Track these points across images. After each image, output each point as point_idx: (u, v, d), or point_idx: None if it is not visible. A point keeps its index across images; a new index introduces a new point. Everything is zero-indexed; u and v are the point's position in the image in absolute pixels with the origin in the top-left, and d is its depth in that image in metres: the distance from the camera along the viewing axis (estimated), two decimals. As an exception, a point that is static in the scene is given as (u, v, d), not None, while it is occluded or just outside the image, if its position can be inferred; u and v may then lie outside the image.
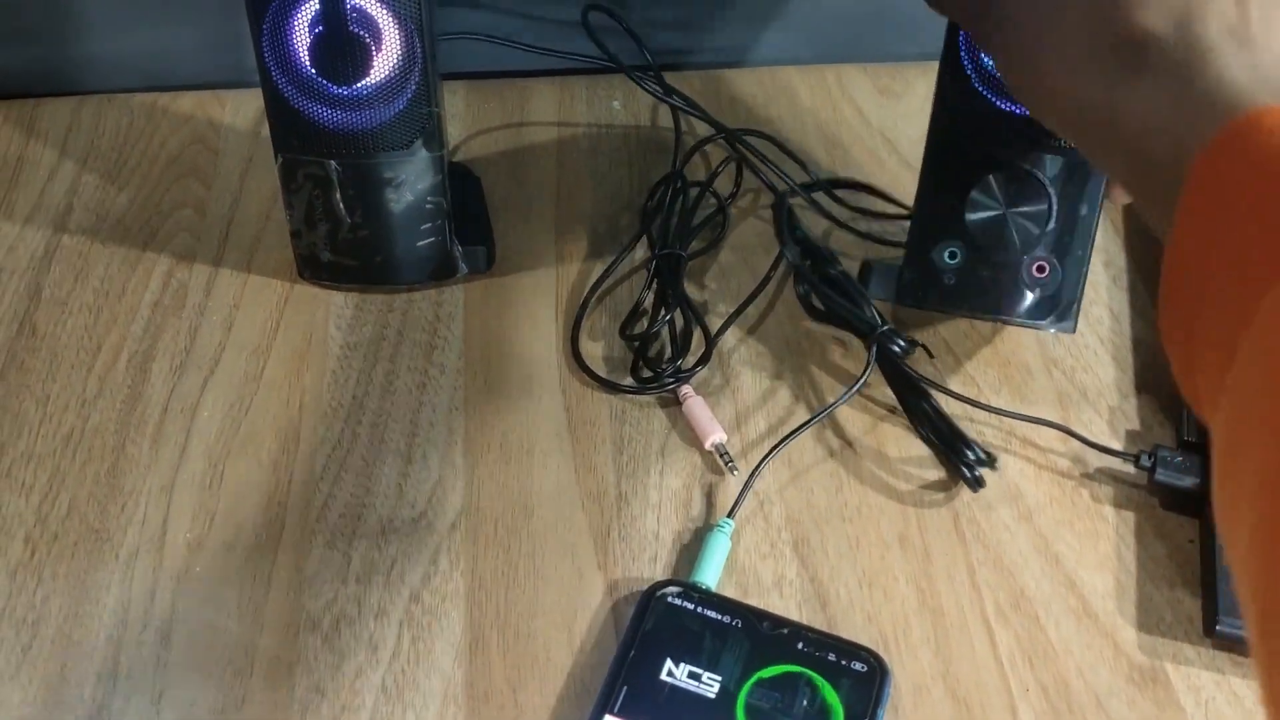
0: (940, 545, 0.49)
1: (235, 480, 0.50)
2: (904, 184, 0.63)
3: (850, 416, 0.53)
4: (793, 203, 0.60)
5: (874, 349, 0.51)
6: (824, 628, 0.46)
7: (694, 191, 0.61)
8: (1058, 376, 0.55)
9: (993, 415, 0.52)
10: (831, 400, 0.52)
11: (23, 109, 0.66)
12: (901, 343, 0.51)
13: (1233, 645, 0.45)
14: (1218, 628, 0.45)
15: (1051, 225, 0.50)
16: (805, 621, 0.46)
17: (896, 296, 0.54)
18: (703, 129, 0.65)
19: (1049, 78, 0.38)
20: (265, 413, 0.52)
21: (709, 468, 0.51)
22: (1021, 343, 0.56)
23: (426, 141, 0.52)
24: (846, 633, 0.46)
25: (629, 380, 0.53)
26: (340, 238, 0.55)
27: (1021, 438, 0.52)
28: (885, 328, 0.52)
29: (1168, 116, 0.34)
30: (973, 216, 0.51)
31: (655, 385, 0.53)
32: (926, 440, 0.51)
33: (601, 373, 0.53)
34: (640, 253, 0.59)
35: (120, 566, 0.47)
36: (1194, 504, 0.49)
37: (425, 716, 0.43)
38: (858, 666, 0.43)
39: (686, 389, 0.52)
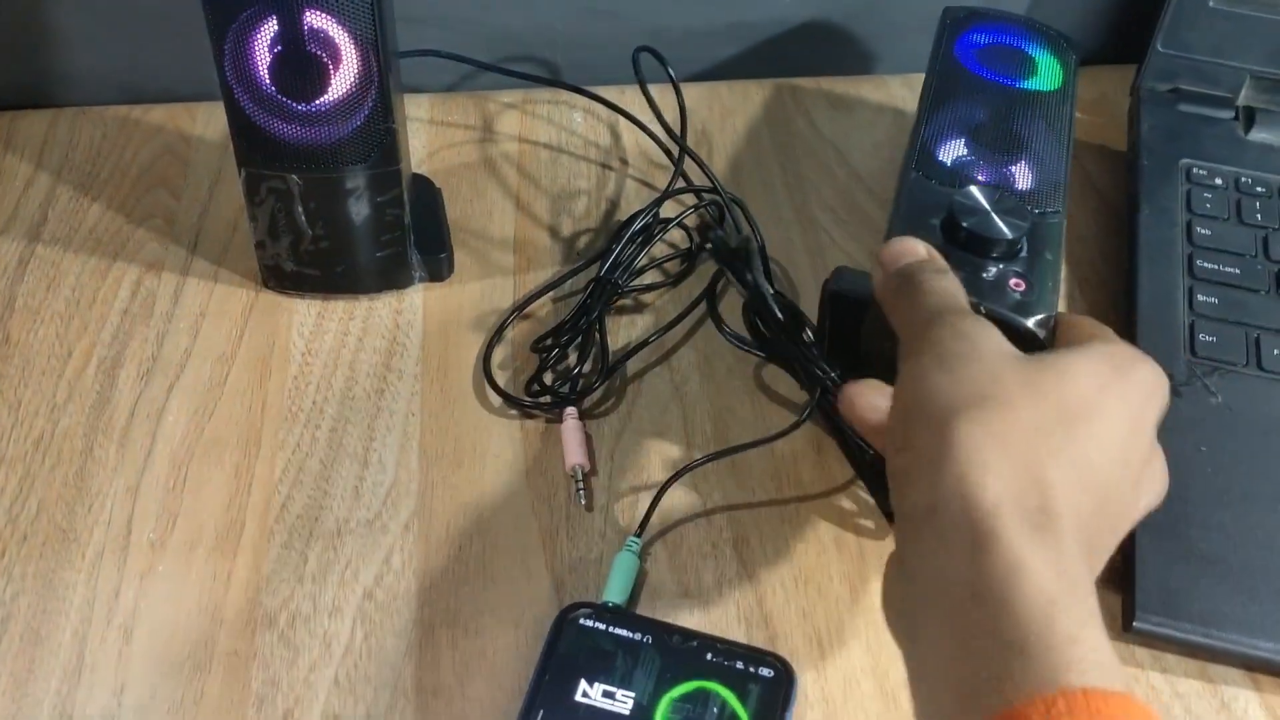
0: (874, 547, 0.51)
1: (198, 483, 0.52)
2: (853, 195, 0.65)
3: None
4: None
5: (817, 392, 0.52)
6: (761, 624, 0.48)
7: (659, 228, 0.61)
8: (995, 382, 0.57)
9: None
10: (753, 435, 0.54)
11: (-1, 122, 0.68)
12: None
13: (1150, 640, 0.47)
14: (1135, 624, 0.47)
15: (1024, 252, 0.50)
16: (742, 617, 0.48)
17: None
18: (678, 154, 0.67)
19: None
20: (228, 418, 0.54)
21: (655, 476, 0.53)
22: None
23: (385, 156, 0.54)
24: (782, 628, 0.48)
25: (524, 395, 0.54)
26: (303, 249, 0.57)
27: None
28: (834, 375, 0.52)
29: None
30: (960, 203, 0.49)
31: (546, 404, 0.54)
32: (865, 483, 0.52)
33: (508, 384, 0.55)
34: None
35: (86, 566, 0.49)
36: (1119, 505, 0.51)
37: (376, 709, 0.45)
38: (765, 672, 0.44)
39: (570, 410, 0.54)
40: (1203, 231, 0.60)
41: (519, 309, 0.58)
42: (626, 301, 0.60)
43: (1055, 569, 0.33)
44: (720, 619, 0.48)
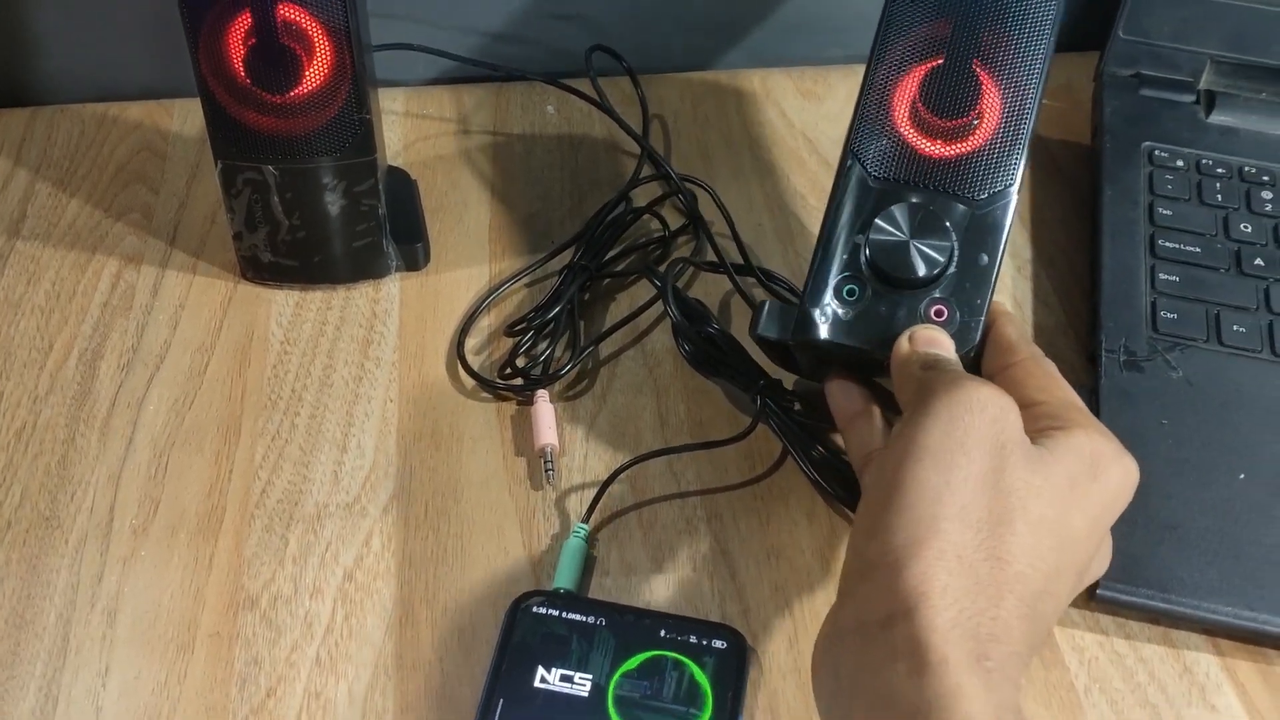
0: (843, 521, 0.52)
1: (179, 470, 0.53)
2: (823, 182, 0.66)
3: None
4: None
5: (759, 402, 0.53)
6: (734, 597, 0.49)
7: (631, 218, 0.62)
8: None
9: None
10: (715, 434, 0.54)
11: (-22, 121, 0.69)
12: (785, 399, 0.53)
13: (1113, 608, 0.48)
14: (1099, 592, 0.48)
15: (952, 269, 0.48)
16: (716, 591, 0.49)
17: (792, 332, 0.49)
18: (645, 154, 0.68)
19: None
20: (208, 406, 0.55)
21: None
22: (929, 330, 0.59)
23: (360, 146, 0.55)
24: (754, 601, 0.49)
25: (497, 378, 0.55)
26: (280, 239, 0.58)
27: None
28: (763, 383, 0.53)
29: None
30: (875, 240, 0.48)
31: (519, 385, 0.55)
32: (816, 485, 0.52)
33: (484, 369, 0.56)
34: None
35: (70, 551, 0.50)
36: (1083, 478, 0.53)
37: (358, 686, 0.46)
38: (719, 644, 0.45)
39: (541, 393, 0.54)
40: (1164, 212, 0.61)
41: (493, 292, 0.59)
42: (604, 286, 0.61)
43: (995, 705, 0.34)
44: (694, 594, 0.49)
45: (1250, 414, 0.53)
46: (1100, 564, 0.44)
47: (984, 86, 0.49)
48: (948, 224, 0.48)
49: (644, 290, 0.60)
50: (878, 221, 0.48)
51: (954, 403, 0.40)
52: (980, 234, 0.48)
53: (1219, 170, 0.64)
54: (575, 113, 0.70)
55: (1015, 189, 0.49)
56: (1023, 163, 0.49)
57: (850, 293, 0.48)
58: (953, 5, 0.48)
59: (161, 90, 0.70)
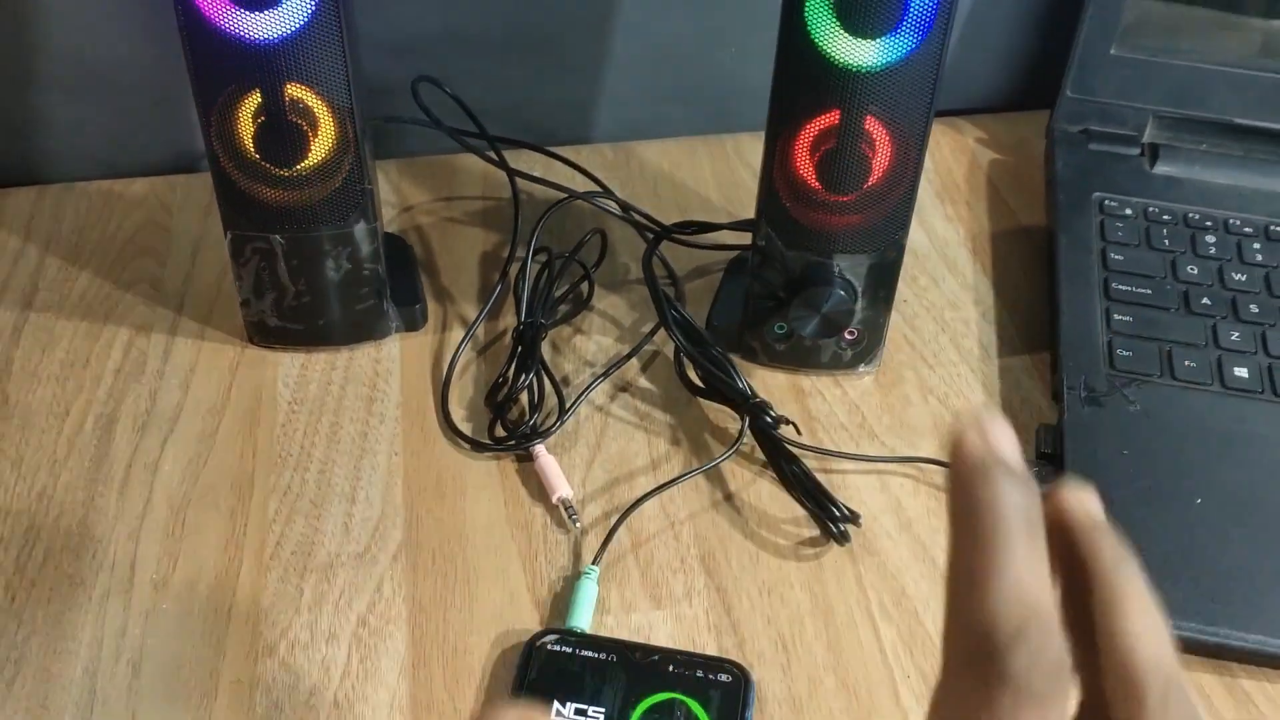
0: (831, 555, 0.55)
1: (196, 526, 0.55)
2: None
3: (746, 458, 0.59)
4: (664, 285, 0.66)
5: (746, 420, 0.57)
6: (729, 631, 0.52)
7: (558, 263, 0.65)
8: (934, 404, 0.62)
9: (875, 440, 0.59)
10: (700, 461, 0.58)
11: (-13, 199, 0.72)
12: (770, 416, 0.57)
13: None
14: (1070, 612, 0.51)
15: (859, 312, 0.59)
16: (712, 625, 0.52)
17: (739, 352, 0.63)
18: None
19: None
20: (221, 464, 0.58)
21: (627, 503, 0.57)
22: (902, 376, 0.63)
23: (361, 215, 0.59)
24: (749, 634, 0.52)
25: (488, 440, 0.58)
26: (286, 304, 0.61)
27: (903, 459, 0.59)
28: (756, 400, 0.57)
29: None
30: (795, 316, 0.59)
31: (512, 445, 0.58)
32: (797, 500, 0.56)
33: (469, 431, 0.59)
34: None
35: (93, 607, 0.52)
36: (1051, 508, 0.56)
37: (374, 726, 0.49)
38: (724, 678, 0.48)
39: (539, 448, 0.57)
40: (1116, 257, 0.65)
41: (455, 355, 0.62)
42: (561, 332, 0.64)
43: None
44: (691, 628, 0.52)
45: (1204, 443, 0.57)
46: None
47: (873, 164, 0.55)
48: (850, 279, 0.58)
49: (601, 325, 0.64)
50: (793, 307, 0.59)
51: None
52: (880, 275, 0.59)
53: (1165, 217, 0.68)
54: (559, 179, 0.74)
55: (905, 238, 0.58)
56: (911, 216, 0.58)
57: (780, 327, 0.61)
58: (840, 95, 0.53)
59: (164, 167, 0.73)
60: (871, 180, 0.55)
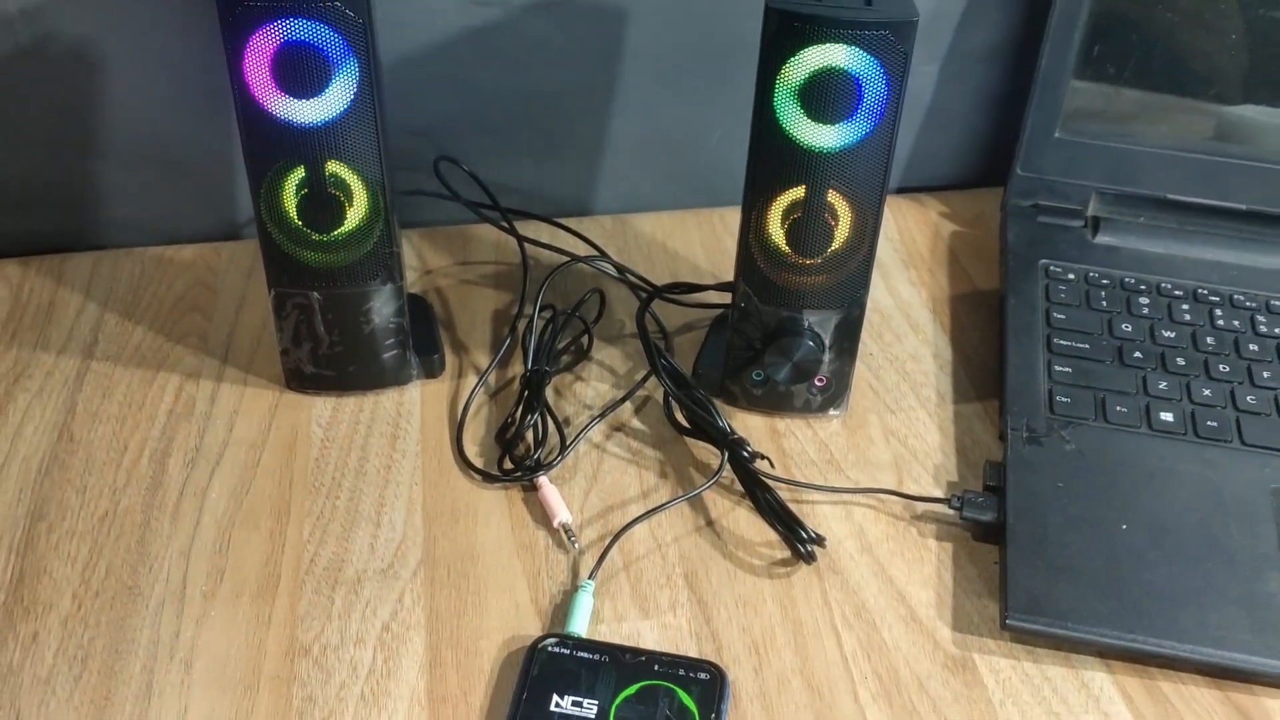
0: (799, 573, 0.62)
1: (239, 544, 0.62)
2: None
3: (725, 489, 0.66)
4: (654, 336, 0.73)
5: (726, 455, 0.65)
6: (709, 638, 0.59)
7: (561, 319, 0.73)
8: (894, 444, 0.69)
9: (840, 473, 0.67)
10: (685, 490, 0.65)
11: (52, 263, 0.81)
12: (747, 451, 0.64)
13: (1021, 635, 0.58)
14: (1008, 621, 0.58)
15: (826, 363, 0.67)
16: (693, 633, 0.59)
17: (721, 397, 0.70)
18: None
19: None
20: (262, 493, 0.65)
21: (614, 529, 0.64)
22: (867, 419, 0.70)
23: (389, 275, 0.67)
24: (726, 640, 0.59)
25: (497, 472, 0.66)
26: (320, 353, 0.69)
27: (865, 490, 0.66)
28: (734, 437, 0.65)
29: None
30: (770, 363, 0.67)
31: (518, 476, 0.65)
32: (770, 525, 0.64)
33: (481, 464, 0.67)
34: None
35: (150, 614, 0.59)
36: (995, 534, 0.63)
37: (396, 717, 0.55)
38: (703, 675, 0.55)
39: (542, 479, 0.65)
40: (1059, 316, 0.73)
41: (469, 398, 0.70)
42: (563, 378, 0.72)
43: None
44: (675, 635, 0.59)
45: (1130, 477, 0.64)
46: None
47: (835, 232, 0.63)
48: (818, 332, 0.66)
49: (599, 372, 0.72)
50: (768, 354, 0.66)
51: None
52: (845, 329, 0.67)
53: (1104, 281, 0.76)
54: (565, 245, 0.82)
55: (866, 296, 0.66)
56: (870, 276, 0.65)
57: (758, 375, 0.68)
58: (805, 172, 0.62)
59: (211, 235, 0.82)
60: (834, 245, 0.64)
